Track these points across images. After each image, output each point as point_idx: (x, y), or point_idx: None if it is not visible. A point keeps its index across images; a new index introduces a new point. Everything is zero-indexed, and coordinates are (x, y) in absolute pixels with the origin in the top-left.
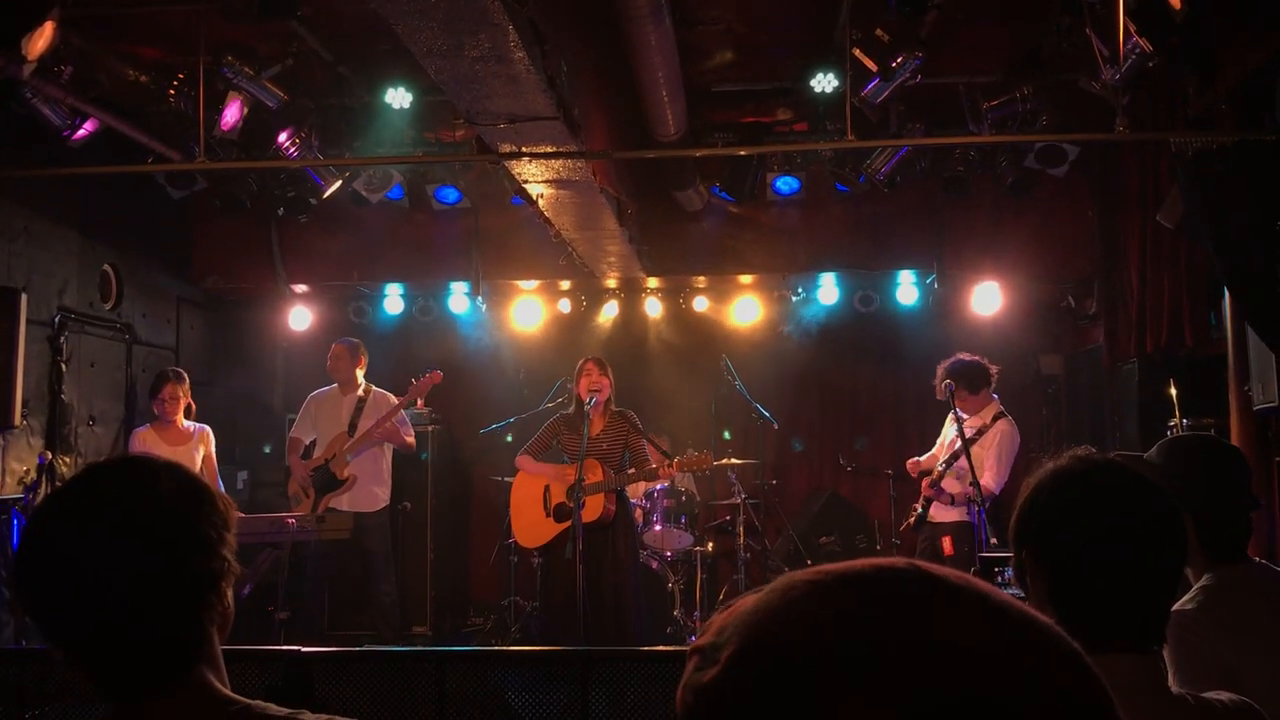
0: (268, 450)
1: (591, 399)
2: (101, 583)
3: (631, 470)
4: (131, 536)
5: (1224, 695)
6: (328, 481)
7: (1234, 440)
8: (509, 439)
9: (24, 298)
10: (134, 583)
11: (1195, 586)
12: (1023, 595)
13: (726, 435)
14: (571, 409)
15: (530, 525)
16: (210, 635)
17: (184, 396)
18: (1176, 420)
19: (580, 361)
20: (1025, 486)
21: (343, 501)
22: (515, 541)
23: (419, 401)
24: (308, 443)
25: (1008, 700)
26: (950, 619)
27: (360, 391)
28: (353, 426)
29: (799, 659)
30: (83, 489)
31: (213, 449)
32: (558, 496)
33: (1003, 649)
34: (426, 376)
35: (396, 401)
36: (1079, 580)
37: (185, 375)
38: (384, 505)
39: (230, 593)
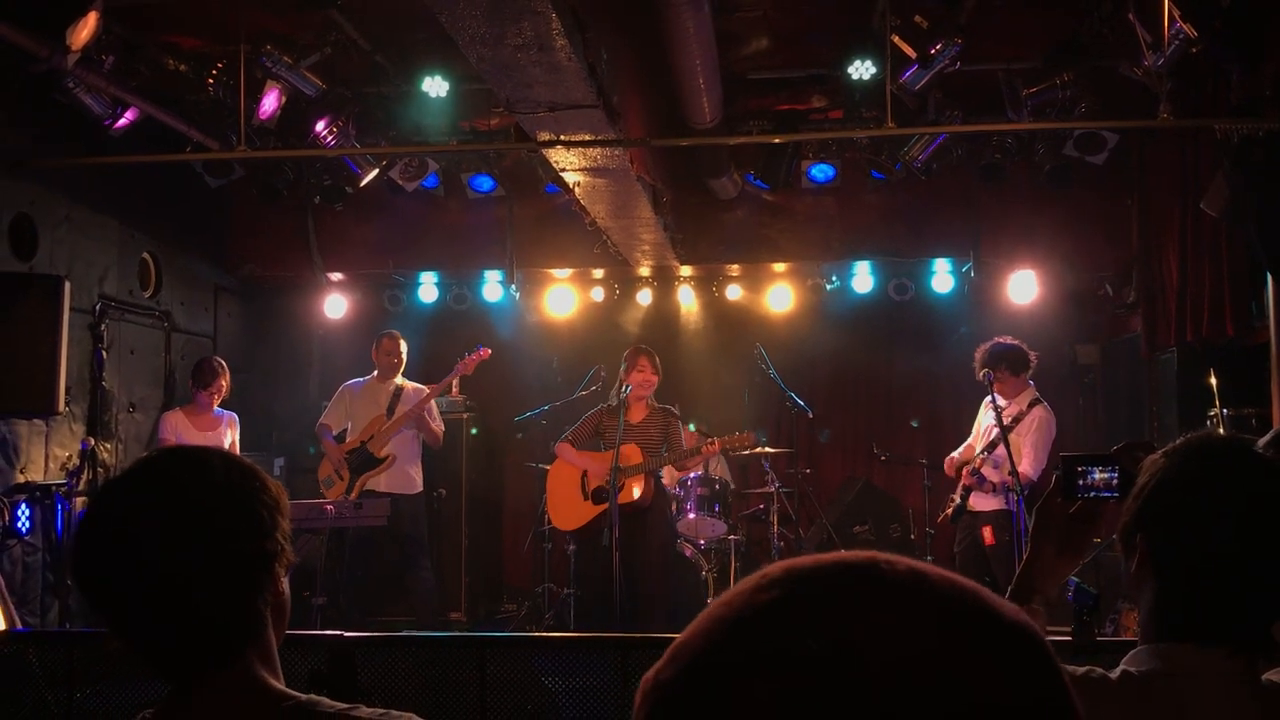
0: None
1: (627, 388)
2: (153, 558)
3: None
4: (185, 514)
5: None
6: (365, 461)
7: None
8: (543, 423)
9: (67, 285)
10: (186, 560)
11: None
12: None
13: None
14: (614, 401)
15: (567, 507)
16: (263, 620)
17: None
18: (1216, 410)
19: (631, 352)
20: (1150, 465)
21: (380, 483)
22: (551, 525)
23: (454, 388)
24: (337, 432)
25: (921, 704)
26: (870, 617)
27: (399, 381)
28: (391, 410)
29: (713, 654)
30: (140, 471)
31: (237, 435)
32: (596, 480)
33: (924, 655)
34: (474, 354)
35: (430, 391)
36: (1204, 577)
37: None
38: (420, 489)
39: (285, 578)
